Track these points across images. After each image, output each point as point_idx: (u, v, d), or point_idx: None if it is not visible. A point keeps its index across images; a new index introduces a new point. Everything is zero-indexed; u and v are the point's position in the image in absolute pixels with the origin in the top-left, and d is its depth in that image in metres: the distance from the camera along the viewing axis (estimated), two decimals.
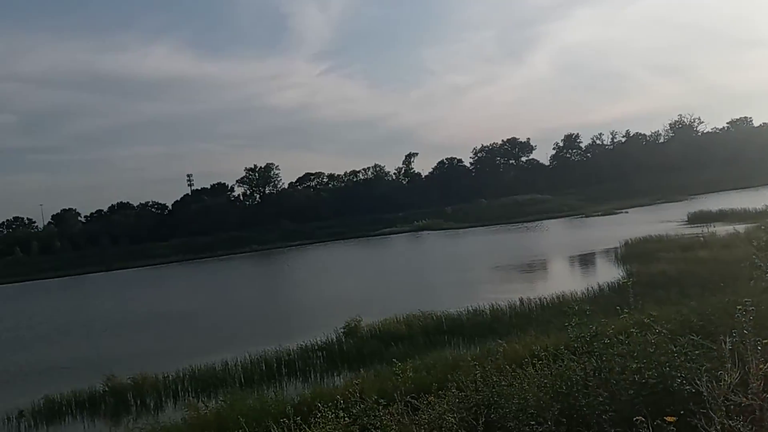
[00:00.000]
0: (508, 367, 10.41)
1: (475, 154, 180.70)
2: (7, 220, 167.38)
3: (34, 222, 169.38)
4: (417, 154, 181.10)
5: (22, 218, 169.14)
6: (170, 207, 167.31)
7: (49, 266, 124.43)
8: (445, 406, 8.32)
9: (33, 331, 46.90)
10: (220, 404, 17.74)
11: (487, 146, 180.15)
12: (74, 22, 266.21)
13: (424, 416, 8.53)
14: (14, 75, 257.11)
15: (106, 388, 23.92)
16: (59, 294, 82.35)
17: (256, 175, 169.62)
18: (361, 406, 8.06)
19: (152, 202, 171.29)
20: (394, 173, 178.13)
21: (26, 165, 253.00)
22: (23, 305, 71.10)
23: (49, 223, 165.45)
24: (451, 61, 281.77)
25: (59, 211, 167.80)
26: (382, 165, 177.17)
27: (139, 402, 23.25)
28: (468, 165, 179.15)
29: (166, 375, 24.70)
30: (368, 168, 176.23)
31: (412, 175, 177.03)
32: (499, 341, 20.09)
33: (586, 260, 49.27)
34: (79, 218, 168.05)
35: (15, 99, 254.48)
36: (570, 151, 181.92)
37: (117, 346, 35.76)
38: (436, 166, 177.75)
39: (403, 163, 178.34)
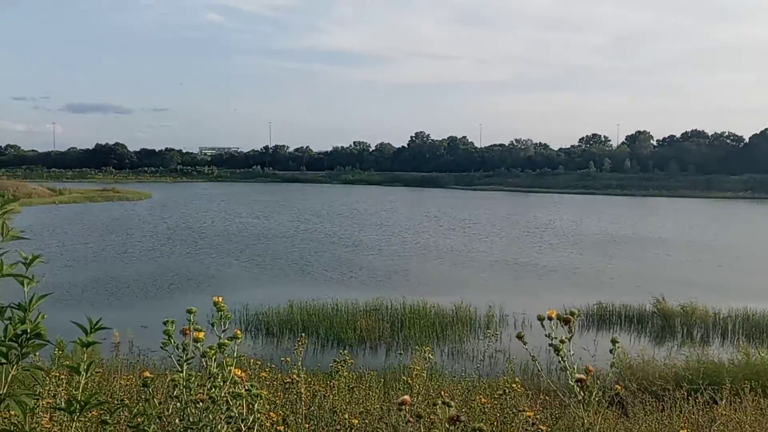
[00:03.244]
0: None
1: None
2: (586, 136, 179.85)
3: (609, 140, 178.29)
4: None
5: (600, 135, 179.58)
6: (746, 140, 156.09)
7: (617, 184, 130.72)
8: None
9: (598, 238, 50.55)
10: None
11: None
12: None
13: None
14: None
15: (655, 310, 24.61)
16: (627, 211, 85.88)
17: None
18: None
19: (728, 132, 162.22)
20: None
21: (608, 84, 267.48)
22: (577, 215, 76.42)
23: (623, 143, 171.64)
24: None
25: (633, 132, 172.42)
26: None
27: (685, 330, 23.35)
28: None
29: (717, 311, 24.13)
30: None
31: None
32: None
33: None
34: (651, 141, 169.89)
35: (606, 21, 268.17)
36: None
37: (671, 272, 35.97)
38: None
39: None
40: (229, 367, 2.92)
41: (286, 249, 43.65)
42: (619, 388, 7.44)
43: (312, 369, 11.25)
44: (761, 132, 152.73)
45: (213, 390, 2.89)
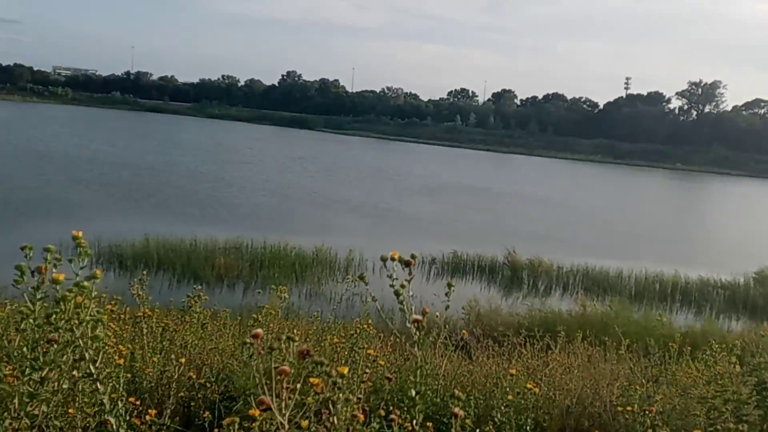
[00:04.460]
0: None
1: None
2: (455, 90, 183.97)
3: (477, 96, 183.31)
4: None
5: (468, 90, 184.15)
6: (601, 106, 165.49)
7: (480, 139, 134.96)
8: None
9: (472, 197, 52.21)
10: (605, 308, 18.00)
11: None
12: None
13: None
14: None
15: (506, 261, 25.92)
16: (488, 166, 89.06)
17: (699, 90, 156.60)
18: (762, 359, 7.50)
19: (585, 98, 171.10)
20: None
21: (480, 41, 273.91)
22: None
23: (489, 99, 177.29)
24: None
25: (499, 90, 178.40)
26: None
27: (531, 282, 24.81)
28: None
29: (560, 265, 25.75)
30: None
31: None
32: None
33: None
34: (515, 100, 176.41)
35: None
36: None
37: (523, 226, 37.85)
38: None
39: None
40: (87, 309, 2.78)
41: (144, 181, 41.97)
42: (465, 333, 7.84)
43: (166, 305, 10.98)
44: (614, 100, 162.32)
45: (67, 331, 2.74)
